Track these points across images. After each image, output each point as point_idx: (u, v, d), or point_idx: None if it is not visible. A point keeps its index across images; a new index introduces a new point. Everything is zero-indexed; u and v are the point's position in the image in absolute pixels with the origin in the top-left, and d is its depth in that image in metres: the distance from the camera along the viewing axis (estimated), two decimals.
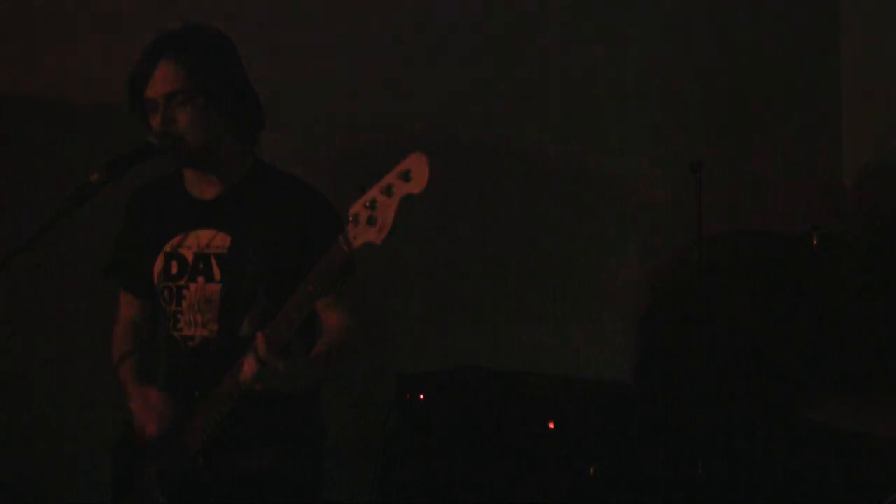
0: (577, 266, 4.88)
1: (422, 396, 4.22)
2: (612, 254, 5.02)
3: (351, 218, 2.56)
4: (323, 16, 4.53)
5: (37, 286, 3.98)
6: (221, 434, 2.91)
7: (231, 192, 3.04)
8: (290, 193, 3.01)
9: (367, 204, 2.54)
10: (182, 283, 3.05)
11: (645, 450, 4.13)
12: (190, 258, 3.04)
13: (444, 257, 4.68)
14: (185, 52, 2.93)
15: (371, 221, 2.54)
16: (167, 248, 3.08)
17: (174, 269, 3.06)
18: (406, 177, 2.51)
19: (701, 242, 4.16)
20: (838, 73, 5.63)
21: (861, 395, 3.96)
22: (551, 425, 3.93)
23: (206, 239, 3.03)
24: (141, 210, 3.17)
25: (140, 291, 3.21)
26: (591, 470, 3.86)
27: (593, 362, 4.80)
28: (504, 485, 4.02)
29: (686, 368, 4.35)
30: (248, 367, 2.70)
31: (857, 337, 4.54)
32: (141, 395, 3.04)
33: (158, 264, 3.09)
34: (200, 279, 3.02)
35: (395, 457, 4.29)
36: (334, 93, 4.52)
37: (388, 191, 2.52)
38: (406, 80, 4.65)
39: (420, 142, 4.54)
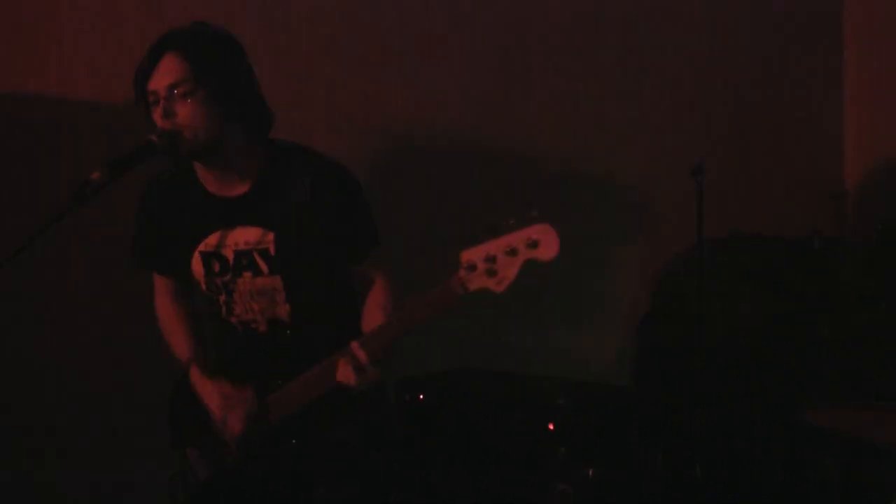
0: (578, 268, 4.87)
1: (420, 398, 4.22)
2: (612, 256, 5.02)
3: (465, 264, 2.76)
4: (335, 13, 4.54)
5: (41, 284, 4.00)
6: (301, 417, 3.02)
7: (258, 186, 3.05)
8: (316, 178, 3.05)
9: (487, 258, 2.73)
10: (228, 278, 3.10)
11: (644, 452, 4.13)
12: (231, 257, 3.07)
13: (443, 258, 4.66)
14: (189, 46, 2.94)
15: (490, 273, 2.75)
16: (203, 247, 3.10)
17: (217, 268, 3.10)
18: (533, 245, 2.72)
19: (702, 246, 4.16)
20: (840, 77, 5.63)
21: (861, 400, 3.96)
22: (551, 427, 3.93)
23: (244, 236, 3.06)
24: (160, 202, 3.18)
25: (172, 270, 3.25)
26: (590, 472, 3.86)
27: (593, 364, 4.80)
28: (503, 487, 4.01)
29: (686, 371, 4.34)
30: (345, 371, 2.87)
31: (858, 341, 4.54)
32: (216, 390, 3.08)
33: (197, 264, 3.12)
34: (247, 274, 3.07)
35: (393, 458, 4.28)
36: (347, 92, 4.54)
37: (512, 252, 2.72)
38: (404, 78, 4.65)
39: (424, 141, 4.62)
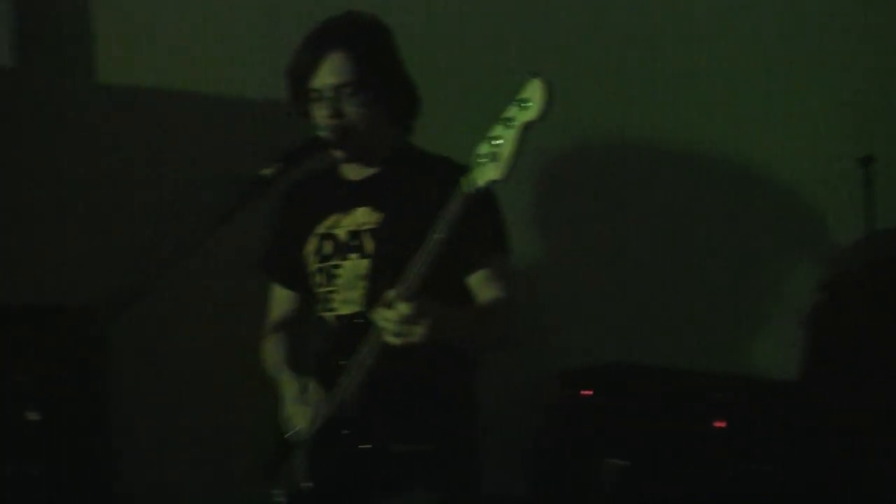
0: (744, 263, 4.79)
1: (585, 393, 4.19)
2: (779, 250, 4.92)
3: (475, 159, 2.56)
4: None
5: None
6: (373, 421, 2.90)
7: (382, 172, 3.06)
8: (439, 168, 2.99)
9: (491, 141, 2.53)
10: (335, 262, 3.07)
11: (814, 448, 4.04)
12: (343, 237, 3.06)
13: (610, 253, 4.65)
14: (354, 44, 2.95)
15: (493, 158, 2.53)
16: (320, 229, 3.10)
17: (327, 250, 3.08)
18: (525, 107, 2.49)
19: (872, 238, 4.06)
20: None
21: None
22: (719, 424, 3.87)
23: (359, 217, 3.05)
24: (294, 200, 3.20)
25: (291, 282, 3.22)
26: (760, 469, 3.80)
27: (760, 360, 4.72)
28: (668, 485, 3.98)
29: (856, 366, 4.24)
30: (379, 316, 2.69)
31: None
32: (296, 383, 3.03)
33: (311, 247, 3.11)
34: (354, 256, 3.04)
35: (555, 456, 4.26)
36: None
37: (508, 123, 2.52)
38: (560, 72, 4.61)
39: (567, 138, 4.60)
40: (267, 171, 2.83)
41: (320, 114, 2.97)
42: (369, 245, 3.02)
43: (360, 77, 2.94)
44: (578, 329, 4.59)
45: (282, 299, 3.27)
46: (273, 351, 3.23)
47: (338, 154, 3.00)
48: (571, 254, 4.58)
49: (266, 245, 3.27)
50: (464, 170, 2.77)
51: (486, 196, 2.81)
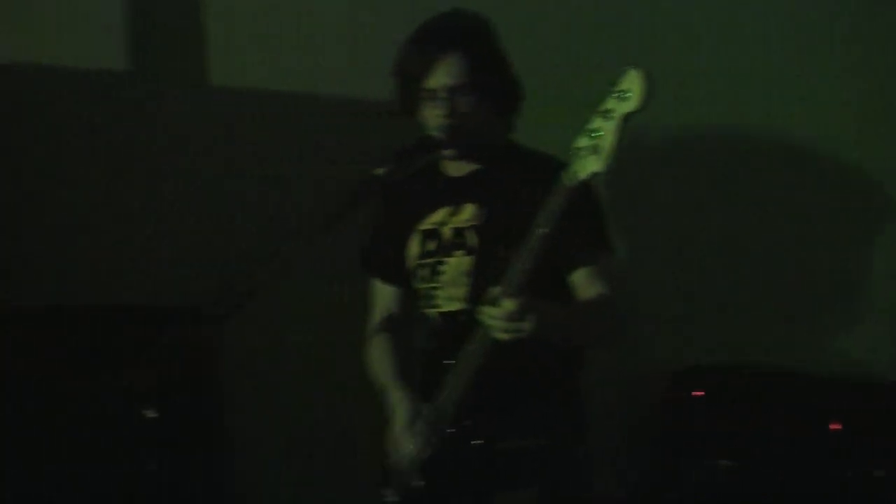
0: (857, 262, 4.71)
1: (696, 394, 4.15)
2: (884, 249, 4.83)
3: (574, 152, 2.58)
4: None
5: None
6: (483, 418, 2.91)
7: (485, 168, 3.06)
8: (542, 166, 2.96)
9: (590, 134, 2.55)
10: (439, 258, 3.07)
11: None
12: (447, 234, 3.06)
13: (721, 250, 4.60)
14: (469, 45, 2.96)
15: (594, 150, 2.55)
16: (423, 226, 3.11)
17: (431, 246, 3.09)
18: (624, 98, 2.51)
19: None
20: None
21: None
22: (835, 426, 3.81)
23: (462, 213, 3.05)
24: (396, 197, 3.19)
25: (394, 277, 3.23)
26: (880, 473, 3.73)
27: (865, 362, 4.64)
28: (780, 487, 3.93)
29: None
30: (485, 314, 2.70)
31: None
32: (408, 410, 3.02)
33: (414, 244, 3.12)
34: (458, 253, 3.04)
35: (664, 457, 4.23)
36: None
37: (607, 115, 2.53)
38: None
39: (697, 133, 4.56)
40: (379, 171, 2.86)
41: (433, 113, 2.98)
42: (473, 242, 3.02)
43: (475, 78, 2.94)
44: (688, 328, 4.55)
45: (385, 296, 3.28)
46: (380, 357, 3.23)
47: (448, 153, 3.01)
48: (682, 252, 4.53)
49: (368, 242, 3.29)
50: (566, 166, 2.77)
51: (588, 190, 2.85)
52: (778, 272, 4.67)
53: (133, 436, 3.08)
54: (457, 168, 3.09)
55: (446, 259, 3.06)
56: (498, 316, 2.67)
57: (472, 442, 2.92)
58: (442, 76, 2.95)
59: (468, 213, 3.04)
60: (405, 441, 3.00)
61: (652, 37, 4.52)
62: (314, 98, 4.29)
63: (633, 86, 2.50)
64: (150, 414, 2.73)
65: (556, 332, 2.84)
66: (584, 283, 2.98)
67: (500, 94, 3.02)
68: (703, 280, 4.61)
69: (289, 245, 2.76)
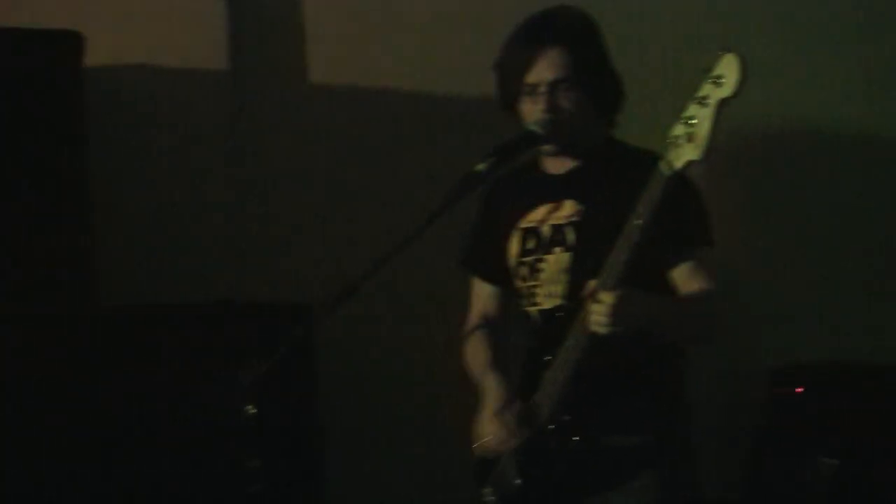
0: None
1: (797, 391, 4.11)
2: None
3: (671, 141, 2.54)
4: None
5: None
6: (583, 414, 2.87)
7: (585, 165, 3.03)
8: (642, 161, 2.90)
9: (686, 122, 2.51)
10: (538, 256, 3.05)
11: None
12: (547, 231, 3.04)
13: (821, 247, 4.56)
14: (571, 39, 2.95)
15: (690, 139, 2.51)
16: (523, 224, 3.09)
17: (531, 244, 3.07)
18: (719, 83, 2.47)
19: None
20: None
21: None
22: None
23: (562, 210, 3.02)
24: (497, 196, 3.18)
25: (493, 276, 3.21)
26: None
27: None
28: (883, 485, 3.90)
29: None
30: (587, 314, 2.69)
31: None
32: (500, 399, 3.01)
33: (514, 242, 3.10)
34: (557, 250, 3.02)
35: (766, 454, 4.20)
36: None
37: (702, 102, 2.50)
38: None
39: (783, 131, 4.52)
40: (480, 167, 2.86)
41: (534, 108, 2.96)
42: (571, 238, 3.00)
43: (576, 72, 2.93)
44: (790, 325, 4.52)
45: (484, 294, 3.27)
46: (476, 351, 3.22)
47: (548, 148, 3.01)
48: (782, 248, 4.49)
49: (468, 240, 3.28)
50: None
51: (686, 183, 2.81)
52: (879, 270, 4.63)
53: (234, 433, 3.11)
54: (557, 165, 3.08)
55: (545, 256, 3.04)
56: (596, 310, 2.67)
57: (572, 438, 2.88)
58: (543, 70, 2.94)
59: (567, 209, 3.02)
60: (490, 428, 2.98)
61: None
62: (416, 94, 4.31)
63: (728, 71, 2.47)
64: (251, 410, 2.76)
65: (654, 326, 2.83)
66: (683, 278, 2.94)
67: (601, 91, 3.00)
68: (803, 277, 4.57)
69: (392, 241, 2.77)
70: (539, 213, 3.07)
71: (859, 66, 4.60)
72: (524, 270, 3.09)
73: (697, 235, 2.97)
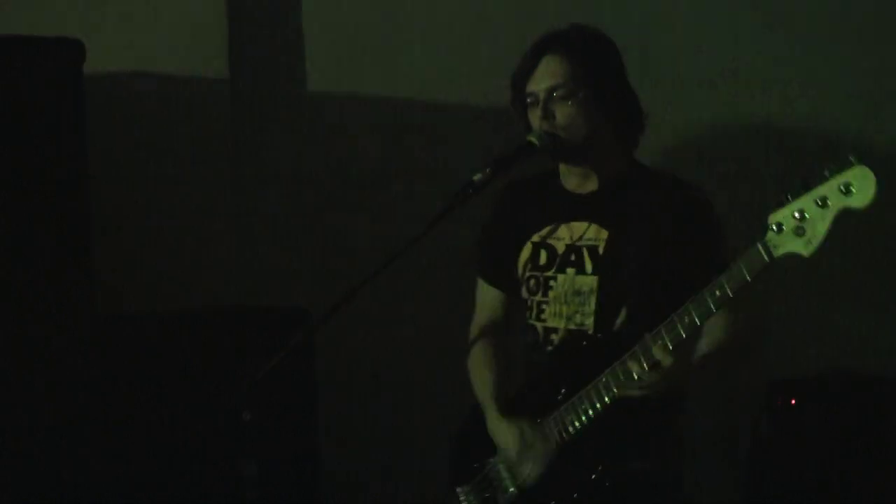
0: None
1: (793, 402, 4.11)
2: None
3: (773, 227, 2.53)
4: None
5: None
6: (585, 440, 2.90)
7: (608, 188, 3.02)
8: (668, 190, 2.96)
9: (796, 214, 2.50)
10: (550, 273, 3.05)
11: None
12: (561, 249, 3.04)
13: (816, 257, 4.52)
14: (570, 48, 2.95)
15: (799, 232, 2.50)
16: (536, 237, 3.09)
17: (542, 260, 3.07)
18: (847, 191, 2.45)
19: None
20: None
21: None
22: None
23: (579, 231, 3.02)
24: (512, 203, 3.18)
25: (500, 282, 3.21)
26: None
27: None
28: (873, 496, 3.89)
29: None
30: (636, 367, 2.73)
31: None
32: (515, 432, 3.01)
33: (525, 253, 3.11)
34: (570, 270, 3.02)
35: (764, 464, 4.19)
36: None
37: (822, 203, 2.48)
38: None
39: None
40: (477, 177, 2.88)
41: (534, 117, 2.98)
42: (588, 262, 3.00)
43: (573, 79, 2.93)
44: (787, 336, 4.51)
45: (490, 299, 3.26)
46: (479, 368, 3.21)
47: (547, 160, 3.01)
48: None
49: (480, 244, 3.27)
50: (689, 187, 2.88)
51: (712, 218, 2.91)
52: (877, 280, 4.62)
53: (232, 437, 3.12)
54: (576, 183, 3.07)
55: (557, 275, 3.04)
56: (647, 377, 2.73)
57: (583, 467, 2.91)
58: (540, 78, 2.96)
59: (586, 231, 3.01)
60: (523, 466, 2.99)
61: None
62: (415, 103, 4.32)
63: (862, 185, 2.44)
64: (247, 416, 2.77)
65: (693, 382, 2.91)
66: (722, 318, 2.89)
67: (608, 105, 2.98)
68: (800, 287, 4.57)
69: (390, 248, 2.80)
70: (555, 229, 3.07)
71: (859, 67, 4.60)
72: (532, 283, 3.10)
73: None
